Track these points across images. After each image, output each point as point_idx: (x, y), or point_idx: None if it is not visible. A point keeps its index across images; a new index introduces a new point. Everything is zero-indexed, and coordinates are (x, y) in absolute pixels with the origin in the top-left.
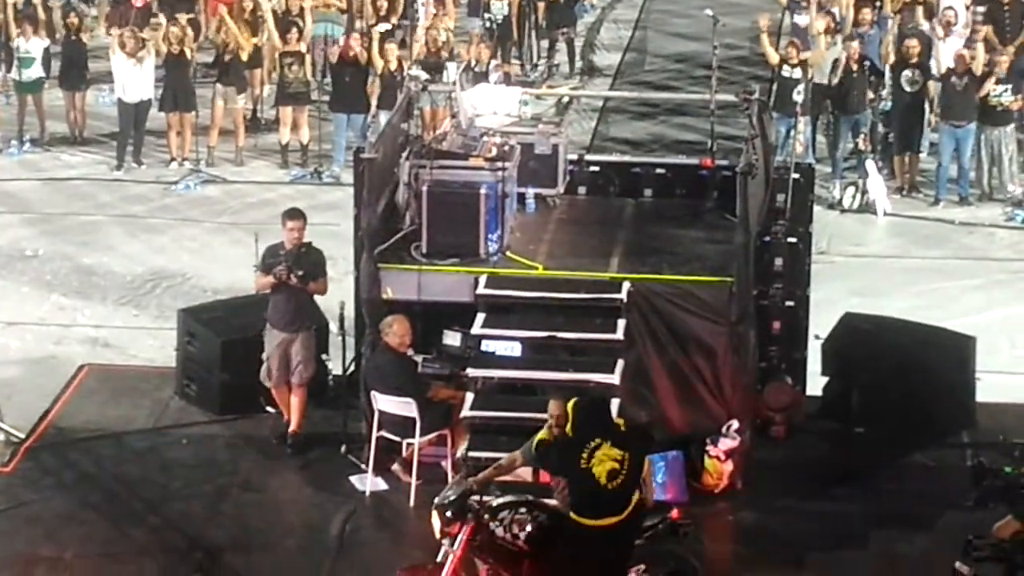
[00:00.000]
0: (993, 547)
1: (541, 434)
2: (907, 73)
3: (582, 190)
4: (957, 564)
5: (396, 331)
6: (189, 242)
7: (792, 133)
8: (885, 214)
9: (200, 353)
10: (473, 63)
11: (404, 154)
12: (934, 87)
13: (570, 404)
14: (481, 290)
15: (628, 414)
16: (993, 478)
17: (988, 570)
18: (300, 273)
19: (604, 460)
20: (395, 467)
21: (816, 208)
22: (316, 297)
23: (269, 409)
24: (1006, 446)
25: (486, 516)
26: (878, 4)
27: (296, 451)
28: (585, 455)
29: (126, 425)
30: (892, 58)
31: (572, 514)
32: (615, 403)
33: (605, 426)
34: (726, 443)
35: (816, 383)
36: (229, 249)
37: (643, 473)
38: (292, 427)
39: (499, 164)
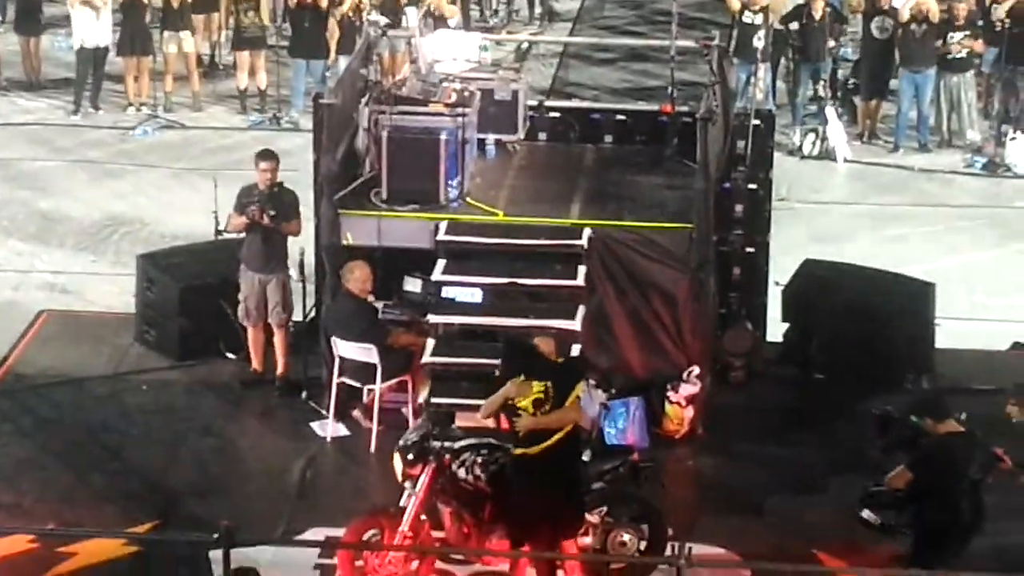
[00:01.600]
0: (888, 496)
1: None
2: (877, 20)
3: (542, 136)
4: (864, 513)
5: (357, 277)
6: (147, 188)
7: (752, 80)
8: (845, 160)
9: (159, 299)
10: (432, 8)
11: (363, 100)
12: None
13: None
14: (441, 236)
15: (589, 360)
16: (901, 427)
17: (890, 517)
18: (273, 213)
19: (527, 395)
20: (356, 413)
21: (776, 155)
22: None
23: (228, 355)
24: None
25: (448, 458)
26: None
27: (283, 394)
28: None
29: (85, 371)
30: (863, 5)
31: (513, 450)
32: (576, 348)
33: (525, 363)
34: (686, 389)
35: (776, 329)
36: (187, 195)
37: (569, 401)
38: (279, 370)
39: (459, 110)
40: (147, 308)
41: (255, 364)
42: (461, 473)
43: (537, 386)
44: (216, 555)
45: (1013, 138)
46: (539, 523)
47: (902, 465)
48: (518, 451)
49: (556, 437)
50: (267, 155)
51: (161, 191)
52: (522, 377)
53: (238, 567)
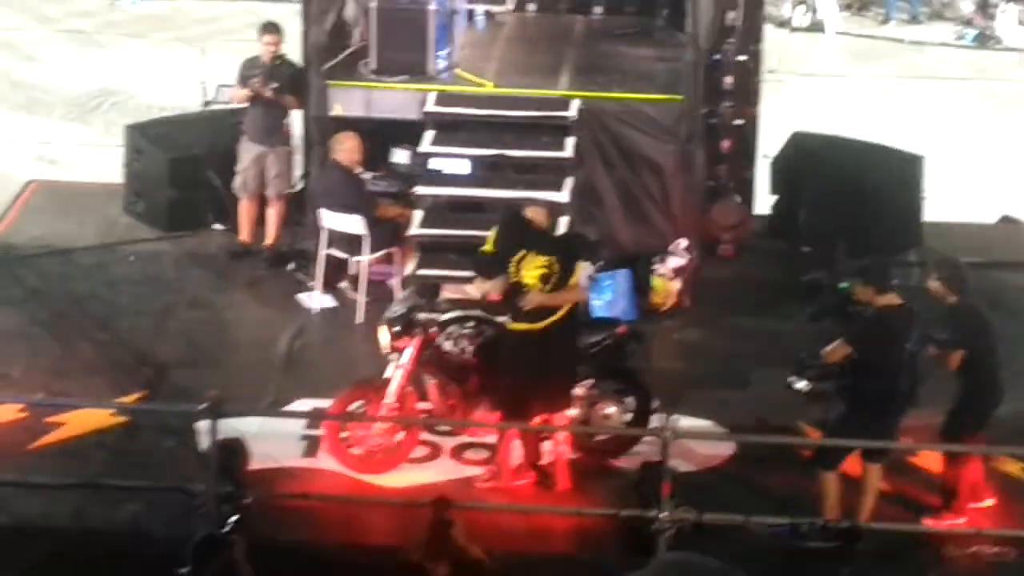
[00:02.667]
0: (823, 369)
1: (485, 247)
2: None
3: (531, 7)
4: (792, 380)
5: (347, 148)
6: (136, 58)
7: None
8: (835, 32)
9: (147, 170)
10: None
11: None
12: None
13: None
14: (430, 107)
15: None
16: (829, 294)
17: (819, 386)
18: (275, 86)
19: (532, 268)
20: (343, 285)
21: (766, 26)
22: None
23: (217, 226)
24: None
25: (434, 330)
26: None
27: (272, 265)
28: (513, 268)
29: (73, 242)
30: None
31: (510, 324)
32: (564, 220)
33: (525, 236)
34: (674, 261)
35: (764, 202)
36: (176, 66)
37: (573, 279)
38: (268, 241)
39: None
40: (135, 179)
41: (243, 235)
42: (447, 345)
43: (541, 259)
44: (203, 426)
45: (1003, 10)
46: (536, 397)
47: (840, 339)
48: (520, 326)
49: (560, 314)
50: (271, 28)
51: (150, 62)
52: (522, 252)
53: (225, 437)
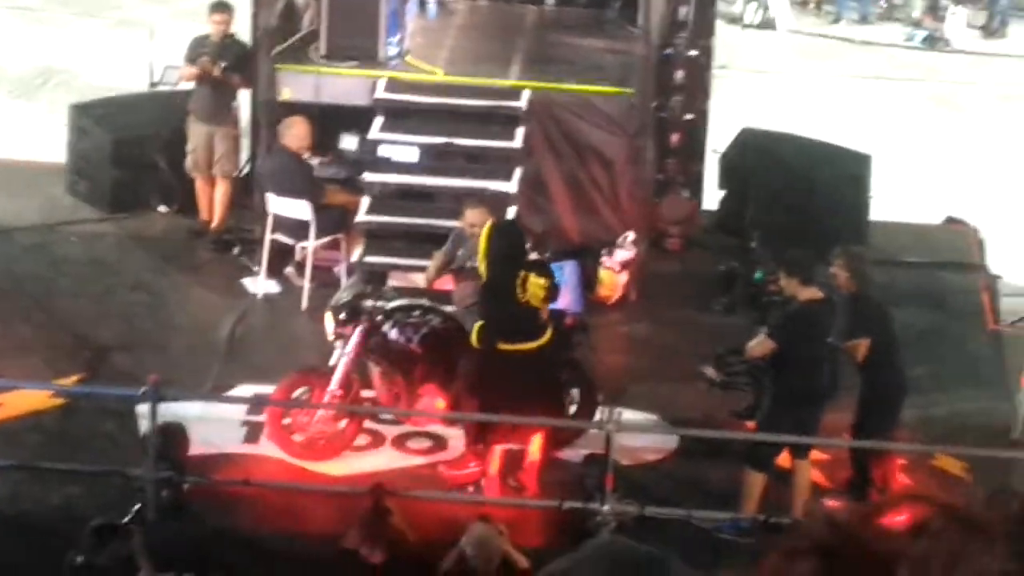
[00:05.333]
0: (744, 365)
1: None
2: None
3: None
4: (706, 369)
5: (296, 133)
6: (82, 38)
7: None
8: (786, 30)
9: (91, 150)
10: None
11: None
12: None
13: (484, 234)
14: (380, 94)
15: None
16: (744, 285)
17: (738, 382)
18: (224, 65)
19: (536, 290)
20: (288, 271)
21: (718, 22)
22: None
23: (161, 208)
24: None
25: (380, 319)
26: None
27: (215, 248)
28: (519, 290)
29: (15, 220)
30: None
31: (503, 344)
32: (511, 211)
33: (522, 257)
34: (621, 254)
35: (713, 197)
36: (123, 46)
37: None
38: (214, 223)
39: None
40: (79, 159)
41: (203, 215)
42: (393, 334)
43: (542, 281)
44: (143, 409)
45: (953, 12)
46: (527, 415)
47: (762, 334)
48: (514, 347)
49: (549, 334)
50: (221, 7)
51: (96, 41)
52: (521, 273)
53: (165, 422)
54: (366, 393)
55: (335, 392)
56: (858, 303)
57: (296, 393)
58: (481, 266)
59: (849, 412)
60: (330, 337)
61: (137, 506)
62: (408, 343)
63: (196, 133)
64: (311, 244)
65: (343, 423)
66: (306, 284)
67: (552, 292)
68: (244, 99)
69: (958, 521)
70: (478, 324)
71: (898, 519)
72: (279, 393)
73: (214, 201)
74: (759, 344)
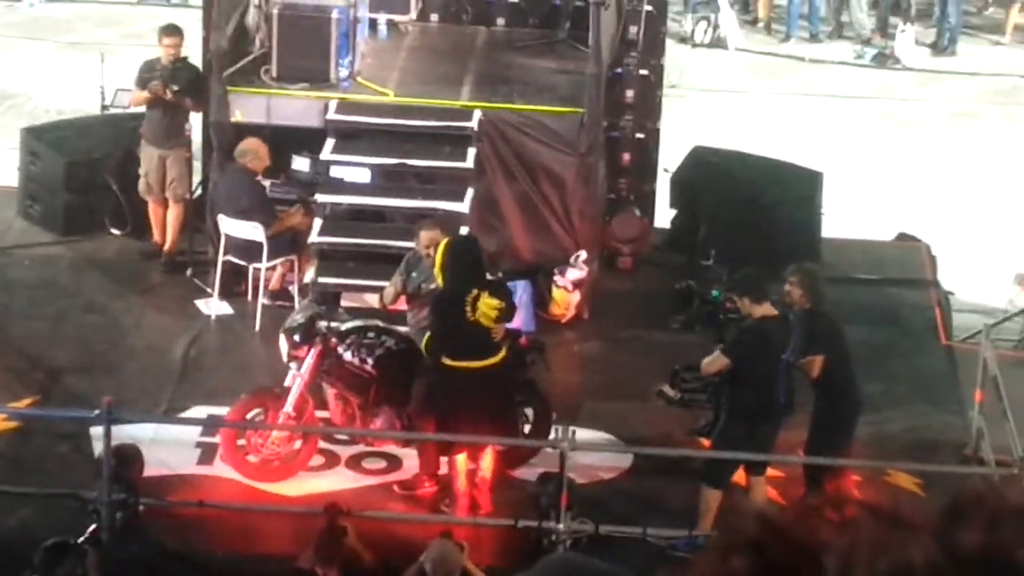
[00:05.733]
0: (700, 382)
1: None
2: None
3: (434, 17)
4: (664, 388)
5: (261, 155)
6: (34, 61)
7: None
8: (736, 49)
9: (43, 173)
10: None
11: None
12: None
13: (440, 248)
14: (331, 115)
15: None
16: (701, 303)
17: (696, 399)
18: (175, 88)
19: (487, 310)
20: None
21: (668, 41)
22: None
23: (114, 231)
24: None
25: (334, 340)
26: None
27: (168, 270)
28: (468, 308)
29: None
30: None
31: (447, 359)
32: (463, 231)
33: (479, 275)
34: (574, 273)
35: (664, 215)
36: (74, 69)
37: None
38: (167, 246)
39: None
40: (31, 182)
41: (156, 237)
42: (347, 356)
43: (494, 302)
44: (97, 431)
45: (903, 30)
46: (480, 433)
47: (717, 351)
48: (460, 363)
49: (503, 352)
50: (171, 30)
51: (48, 65)
52: (474, 291)
53: (119, 444)
54: (321, 414)
55: (289, 413)
56: (812, 320)
57: (250, 414)
58: (439, 278)
59: (803, 429)
60: (285, 359)
61: (92, 527)
62: (363, 364)
63: (148, 156)
64: (264, 265)
65: (297, 444)
66: (259, 305)
67: (506, 313)
68: (196, 122)
69: (884, 516)
70: (427, 335)
71: (828, 517)
72: (233, 414)
73: (167, 223)
74: (714, 361)
